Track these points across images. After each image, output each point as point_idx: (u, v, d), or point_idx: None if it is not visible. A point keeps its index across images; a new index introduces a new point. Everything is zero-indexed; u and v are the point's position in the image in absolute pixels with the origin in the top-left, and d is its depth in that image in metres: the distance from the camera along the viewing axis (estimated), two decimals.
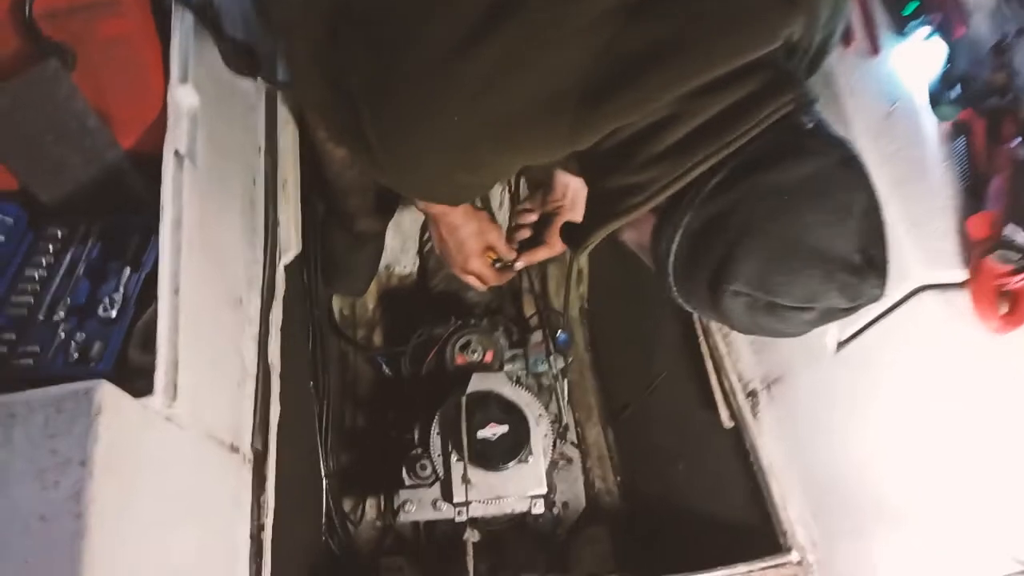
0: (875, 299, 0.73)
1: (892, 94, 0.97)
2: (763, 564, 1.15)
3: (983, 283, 0.84)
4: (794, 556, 1.15)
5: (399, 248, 2.00)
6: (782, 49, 0.76)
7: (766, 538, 1.22)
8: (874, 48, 0.99)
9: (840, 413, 1.06)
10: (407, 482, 1.52)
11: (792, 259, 0.70)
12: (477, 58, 0.74)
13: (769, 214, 0.70)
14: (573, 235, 0.90)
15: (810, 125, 0.73)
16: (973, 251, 0.87)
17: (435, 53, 0.78)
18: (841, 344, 1.03)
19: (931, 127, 0.96)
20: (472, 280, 1.37)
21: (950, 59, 0.97)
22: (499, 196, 2.00)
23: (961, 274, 0.87)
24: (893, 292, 0.89)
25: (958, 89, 0.97)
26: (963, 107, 0.96)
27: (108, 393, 0.75)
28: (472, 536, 1.38)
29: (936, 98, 0.97)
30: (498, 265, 1.39)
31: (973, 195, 0.91)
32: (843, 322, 1.02)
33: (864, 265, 0.71)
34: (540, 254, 1.36)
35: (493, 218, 1.35)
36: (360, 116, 0.91)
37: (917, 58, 0.98)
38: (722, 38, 0.71)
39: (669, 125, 0.72)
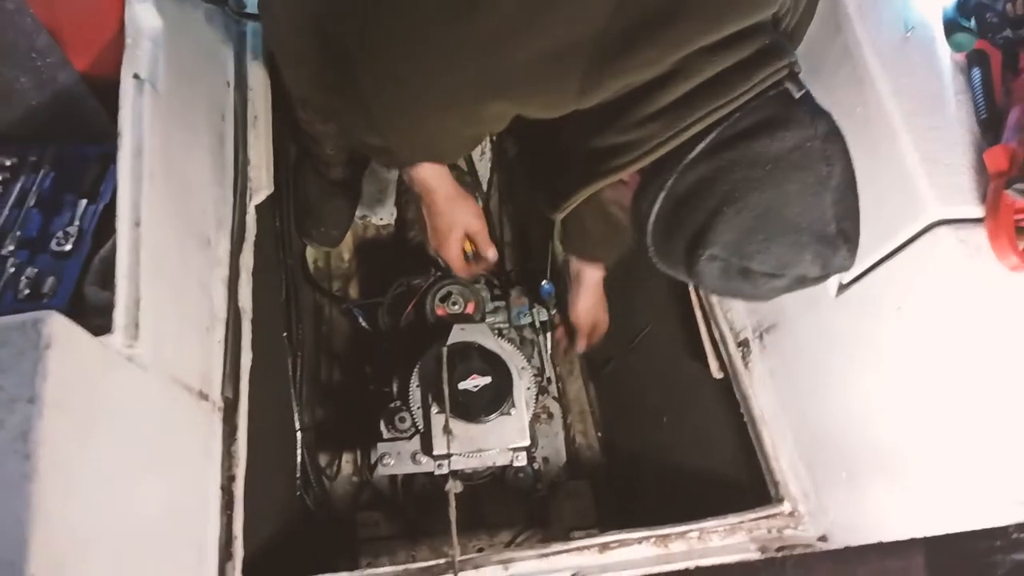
0: (844, 269, 0.76)
1: (906, 20, 0.91)
2: (753, 515, 1.12)
3: (1001, 218, 0.80)
4: (786, 507, 1.12)
5: (376, 197, 1.92)
6: (772, 19, 0.76)
7: (756, 489, 1.19)
8: None
9: (839, 359, 1.03)
10: (385, 435, 1.47)
11: (770, 228, 0.71)
12: (493, 9, 0.70)
13: (752, 183, 0.71)
14: (555, 194, 0.89)
15: (798, 95, 0.73)
16: (990, 185, 0.83)
17: (446, 3, 0.73)
18: (843, 287, 0.99)
19: (946, 58, 0.91)
20: (451, 262, 1.34)
21: None
22: (481, 146, 1.93)
23: (977, 209, 0.83)
24: (906, 228, 0.85)
25: (973, 19, 0.92)
26: (978, 37, 0.91)
27: (59, 325, 0.68)
28: (455, 487, 1.34)
29: (951, 27, 0.91)
30: (470, 257, 1.35)
31: (990, 128, 0.87)
32: None
33: (837, 236, 0.73)
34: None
35: (476, 201, 1.31)
36: (351, 66, 0.84)
37: None
38: None
39: (668, 83, 0.71)
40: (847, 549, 0.62)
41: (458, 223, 1.27)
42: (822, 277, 0.76)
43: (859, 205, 0.75)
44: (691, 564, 1.00)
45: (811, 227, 0.72)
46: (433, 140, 0.95)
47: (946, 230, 0.82)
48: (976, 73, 0.90)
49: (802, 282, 0.76)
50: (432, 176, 1.17)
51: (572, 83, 0.72)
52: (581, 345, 1.57)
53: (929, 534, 0.66)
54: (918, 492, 0.91)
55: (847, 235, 0.73)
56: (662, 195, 0.76)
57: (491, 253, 1.34)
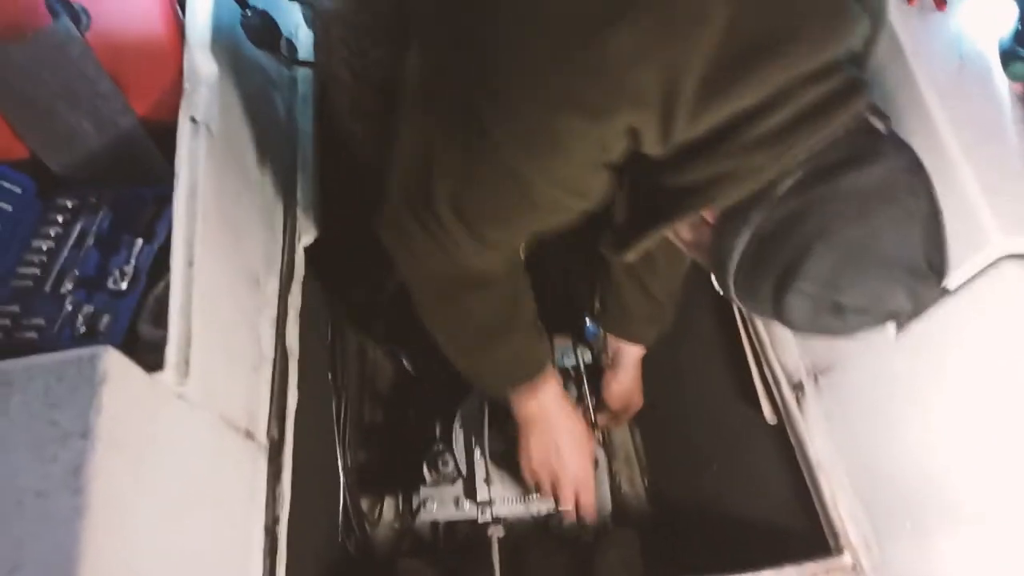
0: (934, 303, 0.78)
1: (959, 52, 0.90)
2: (813, 566, 1.07)
3: None
4: (847, 559, 1.07)
5: None
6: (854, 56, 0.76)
7: (813, 540, 1.13)
8: (940, 3, 0.92)
9: (899, 402, 0.99)
10: (428, 479, 1.46)
11: (862, 262, 0.71)
12: (621, 34, 0.69)
13: (843, 218, 0.71)
14: (625, 233, 0.86)
15: (882, 128, 0.74)
16: None
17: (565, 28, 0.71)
18: (902, 326, 0.96)
19: (1003, 87, 0.89)
20: (567, 495, 1.27)
21: (1023, 17, 0.90)
22: None
23: None
24: (968, 264, 0.82)
25: None
26: None
27: (114, 361, 0.69)
28: (497, 532, 1.31)
29: (1008, 57, 0.90)
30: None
31: None
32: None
33: (927, 269, 0.73)
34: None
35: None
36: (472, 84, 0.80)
37: (987, 15, 0.91)
38: (826, 24, 0.71)
39: (773, 109, 0.71)
40: None
41: (572, 468, 1.24)
42: (914, 312, 0.77)
43: (945, 236, 0.75)
44: None
45: (901, 261, 0.72)
46: (571, 159, 0.83)
47: (1011, 265, 0.79)
48: None
49: (893, 316, 0.76)
50: (552, 399, 1.17)
51: (686, 106, 0.71)
52: (603, 424, 1.53)
53: None
54: (994, 544, 0.86)
55: (936, 268, 0.74)
56: (749, 232, 0.75)
57: (591, 511, 1.32)
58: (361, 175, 1.50)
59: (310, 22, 1.26)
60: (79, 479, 0.63)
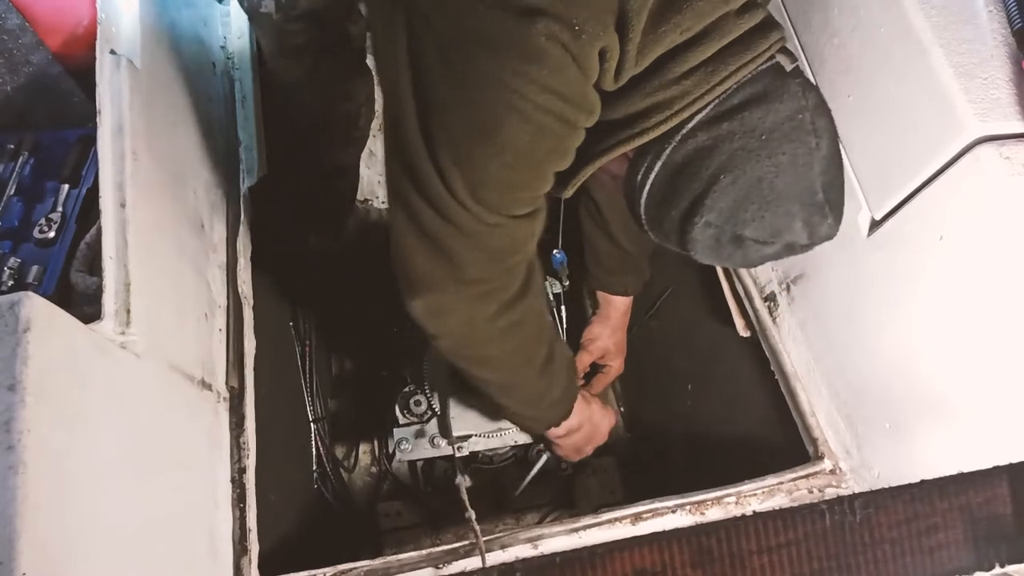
0: (830, 238, 0.80)
1: None
2: (793, 475, 1.06)
3: None
4: (826, 464, 1.07)
5: (376, 180, 1.86)
6: None
7: (793, 449, 1.13)
8: None
9: (874, 302, 0.97)
10: (401, 421, 1.42)
11: (764, 197, 0.75)
12: None
13: (748, 153, 0.75)
14: (561, 173, 0.86)
15: (790, 67, 0.77)
16: None
17: None
18: (875, 224, 0.93)
19: None
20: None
21: None
22: None
23: (1020, 124, 0.77)
24: (944, 150, 0.79)
25: None
26: None
27: (38, 307, 0.63)
28: (462, 452, 1.34)
29: None
30: None
31: None
32: (877, 198, 0.93)
33: (824, 205, 0.76)
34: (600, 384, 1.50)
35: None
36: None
37: None
38: None
39: (703, 42, 0.74)
40: (923, 483, 0.56)
41: (599, 444, 1.35)
42: (809, 245, 0.79)
43: (843, 176, 0.79)
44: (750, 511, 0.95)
45: (801, 197, 0.75)
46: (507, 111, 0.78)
47: (988, 148, 0.76)
48: None
49: (790, 249, 0.79)
50: (581, 411, 1.22)
51: (636, 37, 0.71)
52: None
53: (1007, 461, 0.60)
54: (975, 426, 0.85)
55: (833, 204, 0.77)
56: (658, 164, 0.79)
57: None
58: (299, 116, 1.42)
59: None
60: (10, 434, 0.58)
